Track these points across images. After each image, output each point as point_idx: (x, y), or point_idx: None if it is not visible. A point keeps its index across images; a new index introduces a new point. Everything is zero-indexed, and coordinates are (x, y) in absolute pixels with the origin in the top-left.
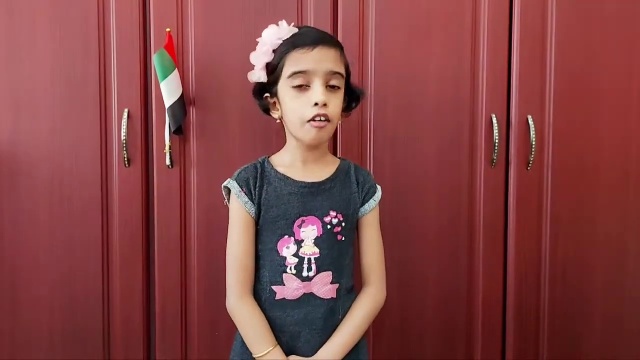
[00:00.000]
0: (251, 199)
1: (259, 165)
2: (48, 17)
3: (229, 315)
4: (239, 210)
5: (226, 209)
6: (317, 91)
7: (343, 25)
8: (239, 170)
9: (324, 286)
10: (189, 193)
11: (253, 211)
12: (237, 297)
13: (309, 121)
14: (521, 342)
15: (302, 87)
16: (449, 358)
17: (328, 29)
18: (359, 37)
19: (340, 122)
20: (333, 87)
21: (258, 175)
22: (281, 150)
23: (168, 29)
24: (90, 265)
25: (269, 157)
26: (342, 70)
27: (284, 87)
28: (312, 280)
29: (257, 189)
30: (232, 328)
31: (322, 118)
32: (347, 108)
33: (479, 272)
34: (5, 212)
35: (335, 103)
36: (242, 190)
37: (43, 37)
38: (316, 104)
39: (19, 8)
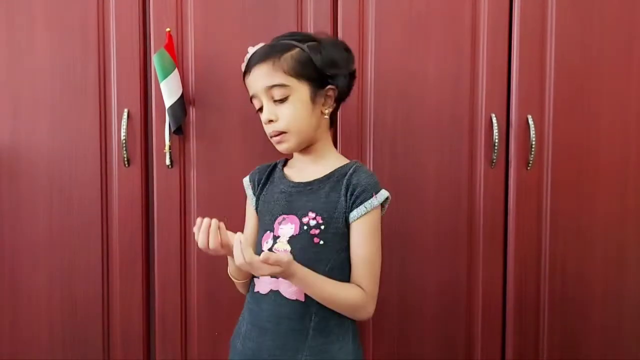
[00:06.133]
0: (254, 192)
1: (272, 165)
2: (47, 17)
3: (228, 315)
4: (248, 202)
5: (225, 207)
6: (264, 111)
7: (343, 25)
8: (257, 167)
9: (290, 286)
10: (189, 193)
11: (254, 204)
12: None
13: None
14: (521, 342)
15: (260, 107)
16: (449, 358)
17: (328, 29)
18: (359, 38)
19: (325, 116)
20: (281, 99)
21: (266, 174)
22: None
23: (168, 29)
24: (90, 265)
25: (287, 160)
26: (280, 80)
27: None
28: (279, 278)
29: (260, 185)
30: (231, 327)
31: (275, 136)
32: (340, 98)
33: (479, 271)
34: (5, 212)
35: (287, 113)
36: (250, 184)
37: (43, 37)
38: (266, 122)
39: (19, 8)
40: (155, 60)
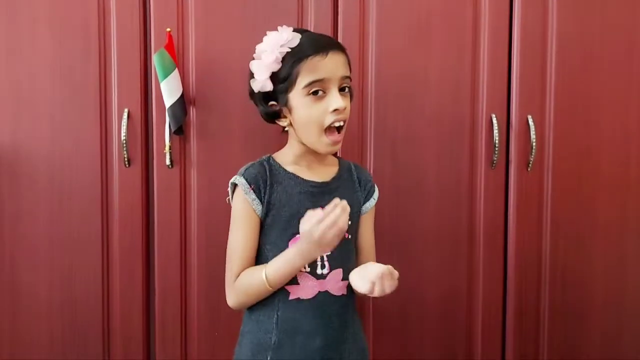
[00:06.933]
0: (259, 197)
1: (265, 164)
2: (48, 17)
3: (228, 315)
4: (245, 207)
5: (226, 208)
6: (336, 98)
7: (344, 26)
8: (245, 167)
9: (336, 283)
10: (189, 193)
11: (260, 209)
12: None
13: (326, 131)
14: (521, 342)
15: (317, 95)
16: (449, 358)
17: (328, 30)
18: (360, 38)
19: None
20: (344, 89)
21: (267, 174)
22: (284, 150)
23: (168, 29)
24: (90, 265)
25: (272, 155)
26: (350, 74)
27: (297, 96)
28: (327, 278)
29: (267, 188)
30: (232, 328)
31: (341, 123)
32: None
33: (479, 272)
34: (6, 212)
35: (348, 105)
36: (251, 187)
37: (43, 37)
38: (335, 109)
39: (19, 8)
40: (155, 60)
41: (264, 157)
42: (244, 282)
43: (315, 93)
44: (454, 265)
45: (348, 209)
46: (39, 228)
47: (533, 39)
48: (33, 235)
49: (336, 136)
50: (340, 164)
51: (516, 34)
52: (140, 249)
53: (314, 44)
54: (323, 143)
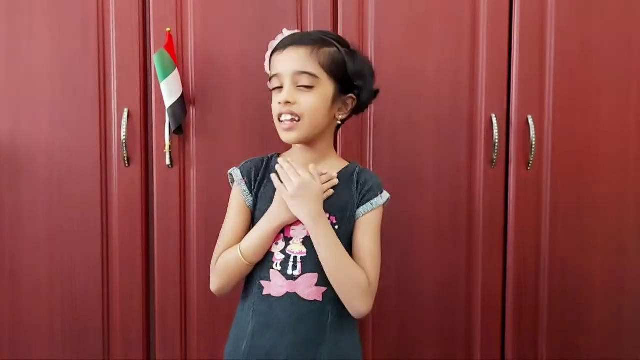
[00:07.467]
0: (249, 189)
1: (265, 160)
2: (48, 17)
3: (228, 315)
4: (238, 197)
5: (225, 208)
6: (283, 91)
7: (343, 25)
8: (246, 160)
9: (308, 288)
10: (189, 192)
11: (250, 201)
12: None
13: (280, 121)
14: (521, 340)
15: (279, 89)
16: (448, 357)
17: (327, 29)
18: (359, 38)
19: (338, 121)
20: (307, 86)
21: (262, 169)
22: (290, 149)
23: (168, 29)
24: (90, 265)
25: (279, 154)
26: (313, 70)
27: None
28: (297, 280)
29: (257, 182)
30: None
31: (288, 117)
32: (356, 110)
33: (479, 271)
34: (6, 212)
35: (308, 101)
36: (243, 179)
37: (43, 37)
38: (279, 102)
39: (19, 8)
40: (155, 60)
41: (270, 154)
42: (223, 261)
43: (278, 88)
44: (454, 264)
45: (336, 181)
46: (39, 227)
47: (532, 38)
48: (33, 234)
49: (284, 123)
50: (345, 167)
51: (516, 34)
52: (140, 248)
53: (282, 40)
54: (279, 130)
